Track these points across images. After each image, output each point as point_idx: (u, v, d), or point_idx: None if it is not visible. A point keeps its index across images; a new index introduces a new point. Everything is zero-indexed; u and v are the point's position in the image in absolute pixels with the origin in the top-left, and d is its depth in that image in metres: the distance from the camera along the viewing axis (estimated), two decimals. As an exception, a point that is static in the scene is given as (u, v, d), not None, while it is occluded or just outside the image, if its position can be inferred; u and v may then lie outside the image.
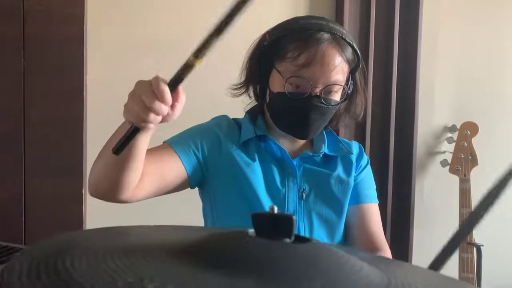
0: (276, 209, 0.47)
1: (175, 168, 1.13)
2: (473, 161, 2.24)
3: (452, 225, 2.27)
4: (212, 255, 0.43)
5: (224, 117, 1.29)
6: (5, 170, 1.72)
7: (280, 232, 0.46)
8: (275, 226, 0.46)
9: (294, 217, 0.46)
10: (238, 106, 1.30)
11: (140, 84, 0.82)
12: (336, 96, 1.16)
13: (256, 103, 1.27)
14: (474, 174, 2.23)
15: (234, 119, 1.29)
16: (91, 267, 0.39)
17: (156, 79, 0.78)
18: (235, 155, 1.19)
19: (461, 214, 2.20)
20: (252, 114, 1.27)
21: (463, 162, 2.25)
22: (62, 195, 1.73)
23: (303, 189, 1.21)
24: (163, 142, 1.18)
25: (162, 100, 0.78)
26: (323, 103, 1.13)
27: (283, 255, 0.43)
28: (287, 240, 0.46)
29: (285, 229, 0.46)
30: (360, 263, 0.45)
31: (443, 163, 2.32)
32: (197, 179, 1.19)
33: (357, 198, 1.28)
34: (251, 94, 1.26)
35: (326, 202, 1.23)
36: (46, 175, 1.72)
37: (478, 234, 2.17)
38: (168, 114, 0.81)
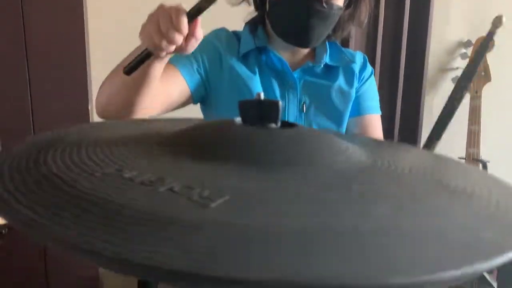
0: (262, 96, 0.46)
1: (179, 87, 1.13)
2: (486, 77, 2.18)
3: (459, 143, 2.26)
4: (195, 143, 0.42)
5: (223, 29, 1.25)
6: (11, 88, 1.72)
7: (267, 119, 0.45)
8: (262, 112, 0.45)
9: (281, 102, 0.45)
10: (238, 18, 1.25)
11: (160, 8, 0.80)
12: (339, 1, 1.11)
13: (256, 14, 1.22)
14: (486, 90, 2.18)
15: (234, 32, 1.25)
16: (72, 161, 0.38)
17: (177, 7, 0.77)
18: (236, 68, 1.17)
19: (469, 132, 2.18)
20: (252, 25, 1.23)
21: (476, 78, 2.19)
22: (68, 111, 1.73)
23: (304, 102, 1.20)
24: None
25: (177, 29, 0.76)
26: (324, 7, 1.08)
27: (267, 140, 0.42)
28: (273, 125, 0.45)
29: (271, 115, 0.45)
30: (348, 146, 0.44)
31: (455, 80, 2.26)
32: (200, 94, 1.18)
33: (359, 110, 1.26)
34: (251, 0, 1.21)
35: (327, 114, 1.22)
36: (51, 93, 1.72)
37: (484, 151, 2.16)
38: (182, 46, 0.80)
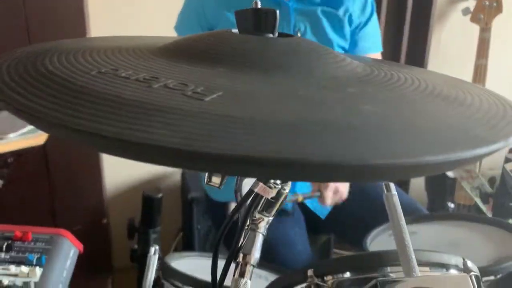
0: (259, 4, 0.45)
1: None
2: (497, 9, 2.11)
3: (465, 78, 2.23)
4: (190, 49, 0.42)
5: None
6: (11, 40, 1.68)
7: (263, 28, 0.45)
8: (258, 21, 0.45)
9: (277, 11, 0.45)
10: None
11: None
12: None
13: None
14: (496, 23, 2.12)
15: None
16: (68, 62, 0.38)
17: None
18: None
19: (476, 66, 2.15)
20: None
21: (487, 10, 2.12)
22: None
23: (298, 29, 1.20)
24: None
25: None
26: None
27: (262, 46, 0.42)
28: (270, 35, 0.45)
29: (268, 24, 0.45)
30: (346, 58, 0.44)
31: (465, 11, 2.19)
32: None
33: (359, 50, 1.27)
34: None
35: (322, 40, 1.22)
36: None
37: (490, 86, 2.14)
38: None
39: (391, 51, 2.18)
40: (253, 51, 0.39)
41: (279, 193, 0.46)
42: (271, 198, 0.46)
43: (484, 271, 0.85)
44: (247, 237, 0.47)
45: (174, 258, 1.05)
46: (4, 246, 0.94)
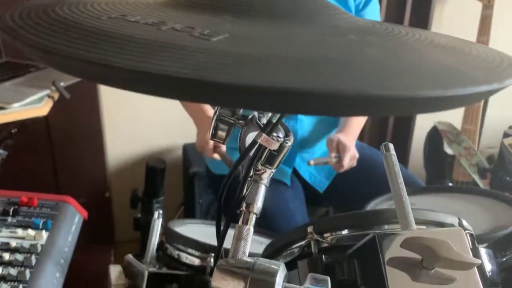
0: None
1: None
2: (500, -15, 2.11)
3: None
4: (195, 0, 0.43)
5: None
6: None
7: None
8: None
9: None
10: None
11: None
12: None
13: None
14: (499, 0, 2.11)
15: None
16: (79, 10, 0.39)
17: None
18: None
19: (477, 42, 2.15)
20: None
21: (489, -14, 2.11)
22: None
23: None
24: None
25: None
26: None
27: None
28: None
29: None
30: (350, 14, 0.45)
31: (468, -14, 2.18)
32: None
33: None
34: None
35: None
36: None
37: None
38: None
39: (395, 19, 2.17)
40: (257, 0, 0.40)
41: (281, 146, 0.48)
42: (274, 150, 0.48)
43: (479, 239, 0.87)
44: (250, 187, 0.49)
45: (177, 224, 1.07)
46: (11, 211, 0.97)
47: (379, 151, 1.58)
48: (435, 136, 2.17)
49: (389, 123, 2.30)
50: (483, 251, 0.62)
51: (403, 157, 2.34)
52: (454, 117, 2.13)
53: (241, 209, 0.48)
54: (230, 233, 0.90)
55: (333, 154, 1.27)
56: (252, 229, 0.47)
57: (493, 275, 0.60)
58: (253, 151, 0.47)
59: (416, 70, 0.30)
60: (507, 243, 0.78)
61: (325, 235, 0.64)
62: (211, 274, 0.82)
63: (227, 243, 0.48)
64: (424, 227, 0.64)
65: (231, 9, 0.39)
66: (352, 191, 1.46)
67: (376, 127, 2.31)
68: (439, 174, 2.17)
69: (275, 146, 0.46)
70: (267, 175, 0.49)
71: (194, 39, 0.31)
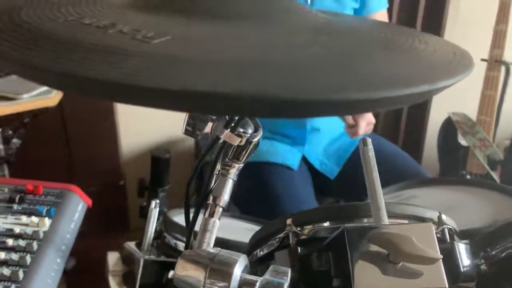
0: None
1: None
2: (519, -28, 2.05)
3: (483, 44, 2.18)
4: (155, 1, 0.44)
5: None
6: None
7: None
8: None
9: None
10: None
11: None
12: None
13: None
14: (518, -14, 2.05)
15: None
16: (39, 12, 0.41)
17: None
18: None
19: (495, 31, 2.10)
20: None
21: (509, -28, 2.05)
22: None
23: None
24: None
25: None
26: None
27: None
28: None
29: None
30: (312, 10, 0.46)
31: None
32: None
33: (368, 9, 1.27)
34: None
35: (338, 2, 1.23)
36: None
37: (509, 53, 2.09)
38: None
39: (407, 15, 2.14)
40: (213, 1, 0.41)
41: (248, 142, 0.49)
42: (241, 146, 0.49)
43: (476, 232, 0.87)
44: (218, 181, 0.50)
45: (176, 213, 1.10)
46: (17, 198, 1.01)
47: (390, 142, 1.56)
48: (449, 127, 2.13)
49: (403, 114, 2.27)
50: (461, 246, 0.62)
51: (417, 149, 2.31)
52: (469, 107, 2.09)
53: (208, 202, 0.49)
54: (239, 225, 0.91)
55: (350, 119, 1.24)
56: (218, 222, 0.49)
57: (469, 270, 0.60)
58: (219, 146, 0.48)
59: (342, 72, 0.31)
60: (494, 237, 0.78)
61: (304, 227, 0.65)
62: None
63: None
64: (405, 221, 0.65)
65: (188, 11, 0.41)
66: (361, 181, 1.46)
67: (390, 118, 2.29)
68: (453, 166, 2.14)
69: (237, 142, 0.47)
70: (235, 170, 0.51)
71: (136, 42, 0.33)
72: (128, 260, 0.96)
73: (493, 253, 0.79)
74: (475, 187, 1.28)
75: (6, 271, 0.84)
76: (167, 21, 0.38)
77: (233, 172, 0.51)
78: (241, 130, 0.49)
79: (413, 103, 0.34)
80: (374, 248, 0.53)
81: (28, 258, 0.85)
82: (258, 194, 1.23)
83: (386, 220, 0.56)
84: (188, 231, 0.52)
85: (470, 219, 1.10)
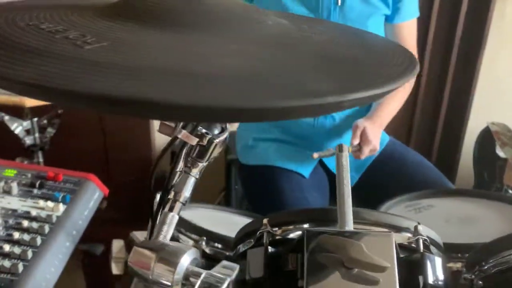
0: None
1: None
2: None
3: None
4: (116, 7, 0.46)
5: None
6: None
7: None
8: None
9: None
10: None
11: None
12: None
13: None
14: None
15: None
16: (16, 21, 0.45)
17: None
18: None
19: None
20: None
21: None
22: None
23: None
24: None
25: None
26: None
27: (189, 8, 0.46)
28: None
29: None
30: (273, 19, 0.47)
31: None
32: None
33: (400, 16, 1.27)
34: None
35: (369, 7, 1.23)
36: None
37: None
38: None
39: (446, 26, 2.07)
40: (165, 9, 0.44)
41: (209, 141, 0.52)
42: (203, 145, 0.52)
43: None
44: (180, 177, 0.53)
45: (186, 208, 1.14)
46: (37, 184, 1.09)
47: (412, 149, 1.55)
48: (487, 137, 2.05)
49: (439, 123, 2.20)
50: (434, 258, 0.62)
51: (453, 159, 2.24)
52: (509, 118, 2.00)
53: (169, 197, 0.52)
54: (242, 221, 0.93)
55: (356, 142, 1.26)
56: (177, 217, 0.52)
57: (437, 282, 0.59)
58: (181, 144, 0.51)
59: (250, 83, 0.33)
60: (488, 252, 0.76)
61: (280, 228, 0.67)
62: (201, 256, 0.88)
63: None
64: (380, 229, 0.65)
65: (143, 19, 0.44)
66: (379, 188, 1.45)
67: (426, 126, 2.23)
68: (489, 177, 2.06)
69: (195, 142, 0.50)
70: (198, 169, 0.53)
71: (72, 47, 0.36)
72: (131, 248, 1.01)
73: (486, 267, 0.77)
74: (495, 201, 1.24)
75: (17, 249, 0.91)
76: (118, 28, 0.42)
77: (196, 171, 0.53)
78: (204, 130, 0.51)
79: (323, 114, 0.35)
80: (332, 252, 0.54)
81: (38, 240, 0.92)
82: (267, 197, 1.25)
83: (350, 226, 0.57)
84: (150, 223, 0.55)
85: (482, 233, 1.07)
